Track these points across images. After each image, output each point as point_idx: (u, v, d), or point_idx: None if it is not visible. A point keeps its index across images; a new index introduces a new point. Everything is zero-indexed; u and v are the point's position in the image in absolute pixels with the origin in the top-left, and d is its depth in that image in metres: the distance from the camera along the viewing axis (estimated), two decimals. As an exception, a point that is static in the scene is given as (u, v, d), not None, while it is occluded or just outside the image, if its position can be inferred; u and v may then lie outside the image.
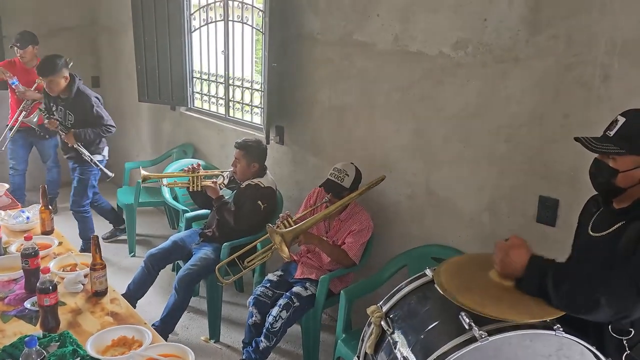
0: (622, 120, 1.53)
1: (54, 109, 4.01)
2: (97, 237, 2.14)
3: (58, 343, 1.75)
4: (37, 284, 1.86)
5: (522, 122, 2.37)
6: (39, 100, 4.48)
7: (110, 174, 4.12)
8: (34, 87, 4.53)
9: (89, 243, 4.02)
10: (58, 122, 3.94)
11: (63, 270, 2.33)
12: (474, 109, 2.56)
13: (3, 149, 4.70)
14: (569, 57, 2.17)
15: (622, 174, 1.53)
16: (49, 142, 4.80)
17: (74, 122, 3.94)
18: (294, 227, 2.77)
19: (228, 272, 3.14)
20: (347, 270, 2.93)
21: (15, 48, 4.54)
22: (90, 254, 2.41)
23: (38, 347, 1.46)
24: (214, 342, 3.26)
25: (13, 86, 4.46)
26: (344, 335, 2.63)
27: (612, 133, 1.54)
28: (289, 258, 2.76)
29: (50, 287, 1.85)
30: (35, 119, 4.47)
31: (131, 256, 4.32)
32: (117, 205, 4.66)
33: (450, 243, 2.72)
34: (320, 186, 2.96)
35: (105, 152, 4.18)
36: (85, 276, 2.24)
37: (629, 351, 1.54)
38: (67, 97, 3.94)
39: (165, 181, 3.54)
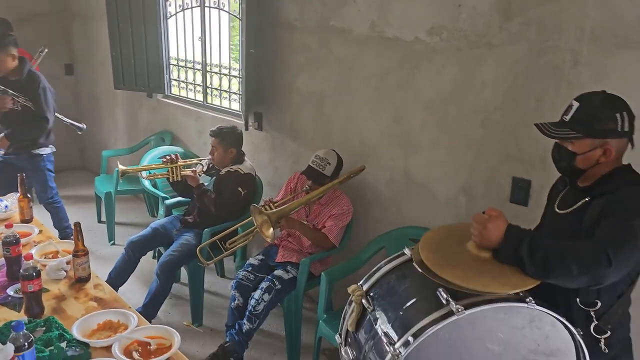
0: (576, 104, 1.60)
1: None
2: (79, 224, 2.15)
3: (44, 328, 1.77)
4: (21, 271, 1.87)
5: (496, 107, 2.45)
6: None
7: (81, 125, 4.06)
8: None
9: (65, 232, 3.99)
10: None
11: (45, 258, 2.33)
12: (449, 94, 2.62)
13: None
14: (541, 43, 2.25)
15: (580, 156, 1.60)
16: None
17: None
18: (278, 209, 2.81)
19: (210, 255, 3.16)
20: (327, 254, 2.99)
21: None
22: (71, 242, 2.44)
23: (25, 331, 1.48)
24: (197, 327, 3.30)
25: None
26: (325, 315, 2.70)
27: (568, 118, 1.61)
28: (273, 239, 2.79)
29: (34, 274, 1.86)
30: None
31: (111, 244, 4.31)
32: (95, 194, 4.62)
33: (427, 225, 2.79)
34: (301, 173, 3.00)
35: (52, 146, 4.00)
36: (68, 263, 2.25)
37: (596, 322, 1.63)
38: (17, 79, 3.73)
39: (144, 174, 3.52)
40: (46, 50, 4.56)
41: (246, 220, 3.05)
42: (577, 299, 1.62)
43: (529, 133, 2.34)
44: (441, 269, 1.58)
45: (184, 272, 3.58)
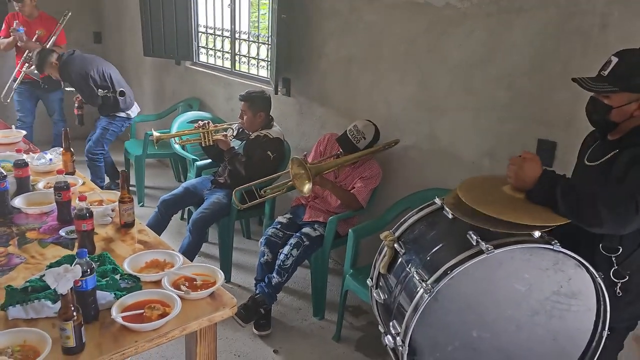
0: (615, 60, 1.67)
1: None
2: (125, 171, 2.28)
3: (98, 263, 1.91)
4: (75, 211, 2.00)
5: (523, 71, 2.51)
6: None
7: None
8: (34, 38, 4.60)
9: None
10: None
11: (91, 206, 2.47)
12: (477, 59, 2.69)
13: (9, 100, 4.77)
14: (570, 7, 2.30)
15: (615, 109, 1.68)
16: (54, 95, 4.88)
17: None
18: (317, 165, 2.92)
19: (245, 198, 3.27)
20: (354, 213, 3.10)
21: (14, 2, 4.57)
22: (112, 192, 2.60)
23: (87, 259, 1.61)
24: (226, 282, 3.44)
25: (18, 34, 4.51)
26: (351, 270, 2.82)
27: (606, 72, 1.69)
28: (308, 193, 2.88)
29: (87, 214, 2.00)
30: (37, 71, 4.54)
31: (140, 206, 4.46)
32: (125, 157, 4.77)
33: (452, 187, 2.87)
34: (337, 139, 3.06)
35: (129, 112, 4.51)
36: (113, 210, 2.38)
37: (616, 267, 1.73)
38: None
39: (177, 139, 3.65)
40: (70, 13, 4.69)
41: (281, 173, 3.22)
42: (600, 245, 1.72)
43: (555, 96, 2.42)
44: (476, 204, 1.68)
45: (212, 233, 3.72)
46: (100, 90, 4.24)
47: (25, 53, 4.60)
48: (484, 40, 2.65)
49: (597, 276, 1.68)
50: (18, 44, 4.59)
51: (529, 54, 2.48)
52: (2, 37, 4.71)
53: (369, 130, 3.00)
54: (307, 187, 2.81)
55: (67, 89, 4.50)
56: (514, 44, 2.53)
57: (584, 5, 2.26)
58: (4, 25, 4.68)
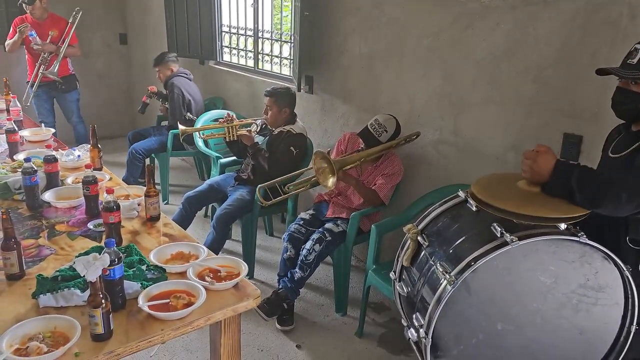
0: None
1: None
2: (151, 166, 2.32)
3: (125, 254, 1.95)
4: (103, 204, 2.04)
5: (549, 63, 2.48)
6: (55, 52, 4.67)
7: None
8: (48, 39, 4.69)
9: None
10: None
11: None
12: (502, 52, 2.66)
13: (28, 104, 4.86)
14: (598, -2, 2.27)
15: None
16: (70, 96, 4.97)
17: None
18: (340, 159, 2.93)
19: (268, 195, 3.28)
20: (376, 209, 3.10)
21: (24, 5, 4.64)
22: (138, 187, 2.64)
23: (115, 249, 1.64)
24: (249, 279, 3.46)
25: (31, 38, 4.61)
26: (374, 266, 2.82)
27: (634, 61, 1.66)
28: (331, 187, 2.87)
29: (115, 207, 2.04)
30: (55, 69, 4.65)
31: (165, 204, 4.53)
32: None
33: (475, 182, 2.86)
34: (358, 134, 3.07)
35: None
36: (139, 204, 2.42)
37: (644, 260, 1.69)
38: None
39: (202, 133, 3.70)
40: (80, 12, 4.78)
41: (306, 169, 3.24)
42: (627, 237, 1.69)
43: (582, 89, 2.38)
44: (493, 200, 1.67)
45: (235, 230, 3.76)
46: (188, 114, 4.45)
47: (41, 55, 4.69)
48: (509, 33, 2.62)
49: (625, 269, 1.65)
50: (33, 47, 4.66)
51: (555, 46, 2.45)
52: (8, 40, 4.80)
53: (391, 124, 2.99)
54: (331, 180, 2.81)
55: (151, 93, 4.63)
56: (540, 36, 2.50)
57: (611, -5, 2.22)
58: (11, 29, 4.72)
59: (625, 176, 1.57)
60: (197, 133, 3.88)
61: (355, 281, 3.36)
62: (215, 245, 3.30)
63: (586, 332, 1.75)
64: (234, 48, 4.75)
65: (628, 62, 1.68)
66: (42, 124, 4.84)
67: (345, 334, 2.96)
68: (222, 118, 3.56)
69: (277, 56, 4.28)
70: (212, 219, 3.33)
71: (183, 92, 4.42)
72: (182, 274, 1.89)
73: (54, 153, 2.72)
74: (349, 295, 3.17)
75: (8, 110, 3.70)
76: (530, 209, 1.60)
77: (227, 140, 3.52)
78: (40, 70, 4.69)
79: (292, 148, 3.40)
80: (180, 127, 3.56)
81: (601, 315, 1.74)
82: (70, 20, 4.76)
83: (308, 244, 2.96)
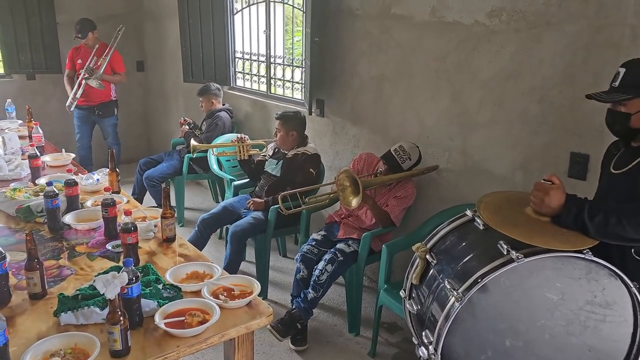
0: (623, 70, 1.73)
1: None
2: (167, 188, 2.40)
3: (142, 273, 2.01)
4: (121, 225, 2.12)
5: (554, 83, 2.53)
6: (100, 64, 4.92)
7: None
8: (92, 57, 4.93)
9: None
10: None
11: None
12: (507, 73, 2.72)
13: (72, 109, 5.08)
14: (600, 20, 2.32)
15: (634, 115, 1.72)
16: (108, 121, 5.25)
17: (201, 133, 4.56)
18: (366, 179, 3.00)
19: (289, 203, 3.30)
20: (387, 230, 3.14)
21: (78, 38, 4.93)
22: (156, 209, 2.72)
23: (133, 267, 1.71)
24: (262, 299, 3.50)
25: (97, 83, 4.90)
26: (385, 285, 2.85)
27: (617, 84, 1.73)
28: (356, 205, 2.90)
29: (132, 228, 2.11)
30: (95, 83, 4.86)
31: (180, 226, 4.60)
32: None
33: (485, 201, 2.89)
34: (381, 157, 3.13)
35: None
36: (155, 226, 2.50)
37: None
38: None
39: (215, 151, 3.79)
40: (123, 28, 5.01)
41: (321, 185, 3.37)
42: (632, 250, 1.71)
43: (586, 108, 2.42)
44: (504, 228, 1.70)
45: (249, 251, 3.81)
46: None
47: (85, 67, 4.91)
48: (514, 55, 2.68)
49: (632, 286, 1.67)
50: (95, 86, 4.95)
51: (560, 67, 2.50)
52: (67, 70, 5.13)
53: (414, 153, 3.06)
54: (355, 200, 2.86)
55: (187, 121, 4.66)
56: (544, 57, 2.55)
57: (613, 17, 2.28)
58: (67, 60, 5.11)
59: (633, 206, 1.62)
60: (211, 155, 3.98)
61: (368, 301, 3.38)
62: (232, 265, 3.36)
63: (596, 350, 1.76)
64: (247, 73, 4.88)
65: (612, 85, 1.75)
66: (77, 143, 5.22)
67: (358, 353, 2.98)
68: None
69: (289, 81, 4.39)
70: (227, 235, 3.40)
71: (224, 127, 4.56)
72: (197, 293, 1.94)
73: (74, 177, 2.82)
74: (361, 315, 3.19)
75: (30, 137, 3.83)
76: (540, 239, 1.63)
77: (239, 159, 3.61)
78: (84, 79, 4.88)
79: (311, 169, 3.48)
80: (193, 142, 3.65)
81: (610, 332, 1.74)
82: (113, 38, 5.00)
83: (320, 265, 3.00)
